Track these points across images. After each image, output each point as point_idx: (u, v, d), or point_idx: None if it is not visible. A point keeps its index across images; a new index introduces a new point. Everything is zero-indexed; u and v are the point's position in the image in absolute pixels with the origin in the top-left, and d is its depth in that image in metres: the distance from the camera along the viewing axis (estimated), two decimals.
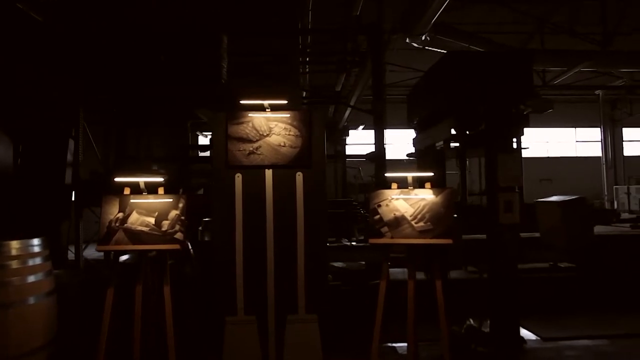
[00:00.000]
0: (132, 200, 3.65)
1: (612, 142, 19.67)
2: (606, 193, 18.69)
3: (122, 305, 3.77)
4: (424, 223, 3.58)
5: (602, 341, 4.62)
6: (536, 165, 18.13)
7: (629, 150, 20.32)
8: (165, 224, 3.59)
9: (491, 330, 4.49)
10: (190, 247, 5.10)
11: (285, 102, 3.76)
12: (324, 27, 9.02)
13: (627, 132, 20.27)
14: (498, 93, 4.55)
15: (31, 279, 3.51)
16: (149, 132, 8.80)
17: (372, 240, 3.67)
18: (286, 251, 3.78)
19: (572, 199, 4.99)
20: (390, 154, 9.51)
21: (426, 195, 3.66)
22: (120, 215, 3.60)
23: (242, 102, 3.71)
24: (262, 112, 3.84)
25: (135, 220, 3.59)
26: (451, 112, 4.85)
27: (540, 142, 19.11)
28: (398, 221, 3.64)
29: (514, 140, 4.67)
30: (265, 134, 3.84)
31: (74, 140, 5.93)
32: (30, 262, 3.55)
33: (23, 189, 5.42)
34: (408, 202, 3.68)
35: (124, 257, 5.00)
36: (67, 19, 6.05)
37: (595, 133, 19.59)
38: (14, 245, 3.47)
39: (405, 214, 3.64)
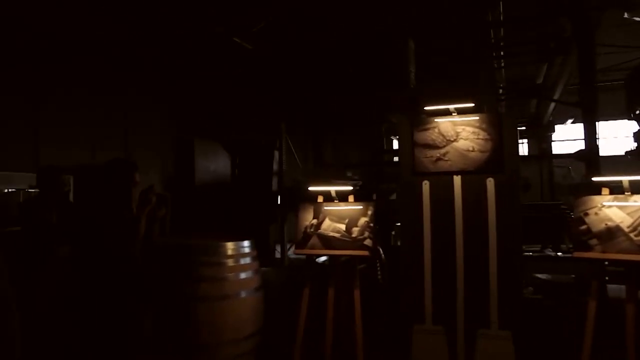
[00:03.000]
0: (324, 208, 3.88)
1: None
2: None
3: (318, 303, 4.03)
4: None
5: None
6: None
7: None
8: (355, 231, 3.72)
9: None
10: (381, 252, 5.22)
11: (472, 104, 3.56)
12: (519, 15, 8.28)
13: None
14: None
15: (243, 275, 4.00)
16: (344, 139, 9.29)
17: (578, 254, 3.22)
18: (476, 261, 3.57)
19: None
20: (605, 150, 8.27)
21: None
22: (315, 221, 3.87)
23: (426, 108, 3.65)
24: (448, 117, 3.71)
25: (328, 226, 3.81)
26: None
27: None
28: (611, 232, 3.12)
29: None
30: (452, 139, 3.70)
31: (278, 151, 6.59)
32: (242, 261, 4.04)
33: (238, 196, 6.24)
34: (624, 211, 3.13)
35: (322, 259, 5.37)
36: (269, 44, 6.78)
37: None
38: (230, 246, 3.99)
39: (621, 225, 3.11)
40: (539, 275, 5.79)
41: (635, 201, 3.13)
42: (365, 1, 6.76)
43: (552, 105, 11.83)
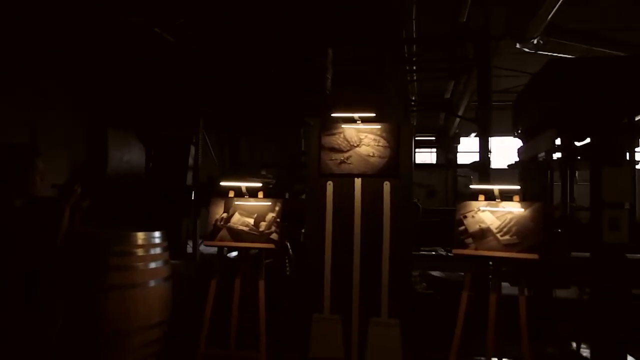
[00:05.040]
0: (235, 202, 4.09)
1: None
2: None
3: (228, 296, 4.22)
4: (510, 236, 3.54)
5: None
6: None
7: None
8: (263, 225, 3.97)
9: (591, 355, 4.23)
10: (289, 247, 5.50)
11: (374, 114, 3.95)
12: (430, 35, 8.99)
13: None
14: (606, 102, 4.29)
15: (152, 265, 4.10)
16: (262, 139, 9.49)
17: (456, 251, 3.71)
18: (372, 256, 3.95)
19: None
20: (498, 163, 9.19)
21: (514, 208, 3.61)
22: (225, 215, 4.07)
23: (333, 114, 3.98)
24: (353, 124, 4.07)
25: (237, 220, 4.02)
26: (554, 122, 4.66)
27: None
28: (483, 233, 3.63)
29: (627, 152, 4.37)
30: (355, 145, 4.06)
31: (195, 146, 6.65)
32: (152, 251, 4.13)
33: (152, 188, 6.24)
34: (495, 215, 3.66)
35: (234, 254, 5.54)
36: (192, 38, 6.84)
37: None
38: (140, 236, 4.08)
39: (491, 226, 3.63)
40: (433, 273, 6.35)
41: (503, 207, 3.66)
42: (290, 8, 7.03)
43: (458, 119, 12.82)
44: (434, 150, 16.47)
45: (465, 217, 3.74)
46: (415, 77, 10.42)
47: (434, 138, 15.32)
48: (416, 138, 15.04)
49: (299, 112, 7.38)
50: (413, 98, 11.54)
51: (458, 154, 15.17)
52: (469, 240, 3.66)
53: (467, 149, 16.12)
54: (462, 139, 14.86)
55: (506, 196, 3.70)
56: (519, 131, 5.85)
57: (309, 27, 7.18)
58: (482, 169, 7.03)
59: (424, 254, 6.76)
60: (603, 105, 4.31)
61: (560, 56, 7.72)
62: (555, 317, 4.95)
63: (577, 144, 4.86)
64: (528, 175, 5.56)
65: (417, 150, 16.16)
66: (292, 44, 7.08)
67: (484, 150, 7.16)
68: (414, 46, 8.81)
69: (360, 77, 7.04)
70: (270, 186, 6.22)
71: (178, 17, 6.58)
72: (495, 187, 3.66)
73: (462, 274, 6.39)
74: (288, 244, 5.36)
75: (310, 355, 3.90)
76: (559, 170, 4.91)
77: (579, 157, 4.92)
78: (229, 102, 7.22)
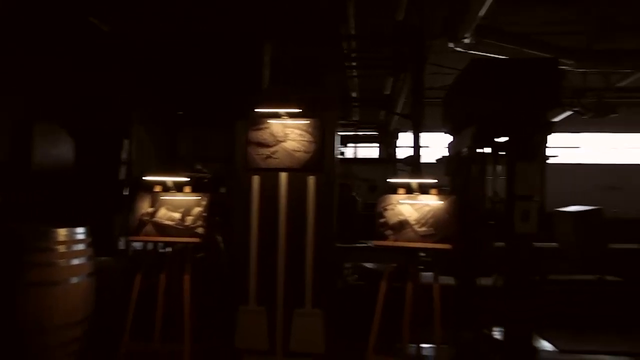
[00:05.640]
0: (161, 197, 4.08)
1: None
2: None
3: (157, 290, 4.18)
4: (427, 228, 3.73)
5: (624, 358, 4.51)
6: (602, 173, 17.14)
7: None
8: (189, 220, 3.97)
9: (503, 338, 4.52)
10: (221, 241, 5.52)
11: (299, 110, 4.03)
12: (367, 33, 9.17)
13: None
14: (519, 101, 4.56)
15: (75, 261, 4.01)
16: (206, 134, 9.40)
17: (376, 243, 3.86)
18: (297, 249, 4.04)
19: (586, 209, 4.87)
20: (432, 158, 9.53)
21: (431, 201, 3.80)
22: (151, 210, 4.04)
23: (257, 110, 4.03)
24: (280, 119, 4.14)
25: (163, 215, 4.01)
26: (474, 120, 4.91)
27: (608, 148, 18.02)
28: (402, 225, 3.81)
29: (538, 149, 4.66)
30: (281, 140, 4.13)
31: (128, 140, 6.53)
32: (74, 248, 4.05)
33: (81, 183, 6.07)
34: (413, 207, 3.84)
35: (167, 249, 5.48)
36: (126, 29, 6.67)
37: None
38: (62, 232, 3.98)
39: (409, 218, 3.80)
40: (366, 264, 6.54)
41: (421, 200, 3.84)
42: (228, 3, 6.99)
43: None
44: (377, 145, 16.80)
45: (385, 209, 3.91)
46: (355, 73, 10.60)
47: (377, 133, 15.63)
48: (359, 133, 15.27)
49: (243, 107, 7.37)
50: (354, 94, 11.75)
51: (398, 149, 15.53)
52: (389, 232, 3.83)
53: (408, 144, 16.54)
54: (402, 134, 15.23)
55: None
56: (447, 127, 6.11)
57: (250, 22, 7.15)
58: (414, 163, 7.34)
59: (357, 247, 6.95)
60: (518, 104, 4.58)
61: (483, 55, 8.10)
62: (478, 305, 5.24)
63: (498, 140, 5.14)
64: (454, 169, 5.82)
65: (359, 145, 16.43)
66: (230, 39, 7.07)
67: (417, 145, 7.47)
68: (354, 43, 8.96)
69: (299, 74, 7.11)
70: (205, 180, 6.19)
71: (116, 7, 6.41)
72: (413, 181, 3.84)
73: (394, 265, 6.70)
74: (220, 239, 5.38)
75: (236, 346, 3.96)
76: (479, 165, 5.18)
77: (500, 153, 5.21)
78: (168, 97, 7.13)
